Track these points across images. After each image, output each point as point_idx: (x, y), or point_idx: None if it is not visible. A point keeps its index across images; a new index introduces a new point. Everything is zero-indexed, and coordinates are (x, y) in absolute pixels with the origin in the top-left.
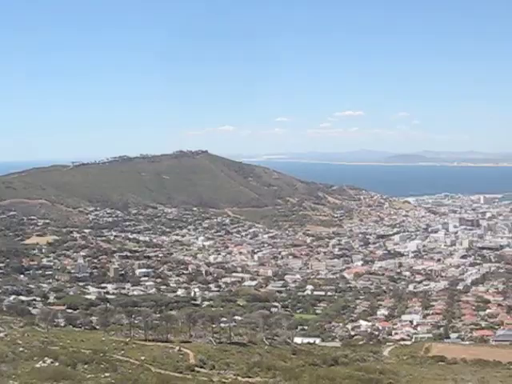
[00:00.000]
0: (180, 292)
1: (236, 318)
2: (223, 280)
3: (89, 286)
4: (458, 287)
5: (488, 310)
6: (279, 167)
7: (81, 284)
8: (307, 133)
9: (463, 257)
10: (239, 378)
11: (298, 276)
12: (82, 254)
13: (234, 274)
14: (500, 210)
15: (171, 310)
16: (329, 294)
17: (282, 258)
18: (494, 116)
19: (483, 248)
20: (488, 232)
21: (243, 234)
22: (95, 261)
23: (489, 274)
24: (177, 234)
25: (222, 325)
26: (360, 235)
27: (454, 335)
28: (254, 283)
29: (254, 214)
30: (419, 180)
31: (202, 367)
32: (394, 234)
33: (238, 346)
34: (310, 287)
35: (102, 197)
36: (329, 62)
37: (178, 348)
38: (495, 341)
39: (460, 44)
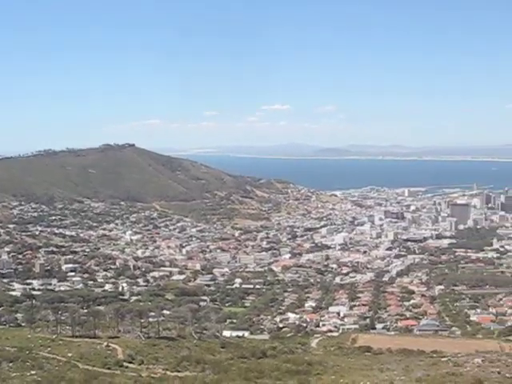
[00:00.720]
0: (108, 287)
1: (164, 312)
2: (151, 274)
3: (14, 283)
4: (384, 279)
5: (412, 301)
6: (207, 161)
7: (5, 280)
8: (235, 126)
9: (388, 249)
10: (168, 372)
11: (226, 269)
12: (7, 249)
13: (162, 269)
14: (424, 202)
15: (99, 305)
16: (257, 287)
17: (211, 251)
18: (418, 111)
19: (408, 240)
20: (412, 224)
21: (171, 227)
22: (20, 256)
23: (413, 265)
24: (104, 229)
25: (151, 319)
26: (288, 228)
27: (379, 326)
28: (182, 277)
29: (182, 208)
30: (346, 174)
31: (130, 362)
32: (321, 226)
33: (167, 340)
34: (238, 280)
35: (27, 191)
36: (255, 56)
37: (105, 344)
38: (419, 330)
39: (383, 37)
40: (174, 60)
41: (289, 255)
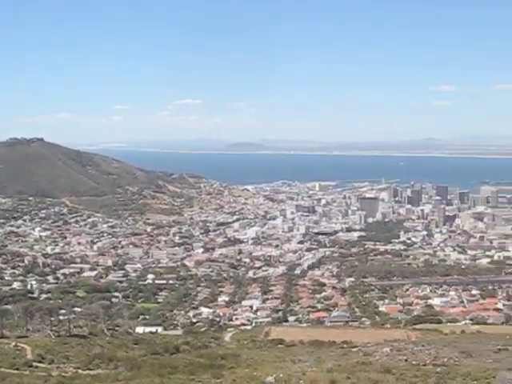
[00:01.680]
0: (16, 285)
1: (75, 309)
2: (62, 271)
3: None
4: (296, 272)
5: (323, 293)
6: (119, 155)
7: None
8: (147, 121)
9: (300, 242)
10: (80, 371)
11: (138, 265)
12: None
13: (72, 265)
14: (334, 196)
15: (6, 304)
16: (170, 282)
17: (123, 247)
18: (329, 106)
19: (319, 233)
20: (323, 218)
21: (82, 223)
22: None
23: (324, 258)
24: (12, 225)
25: (61, 317)
26: (200, 223)
27: (292, 318)
28: (93, 274)
29: (93, 204)
30: (258, 168)
31: (40, 362)
32: (233, 221)
33: (78, 338)
34: (151, 276)
35: None
36: (168, 51)
37: (14, 343)
38: (330, 322)
39: (294, 30)
40: (83, 54)
41: (202, 250)
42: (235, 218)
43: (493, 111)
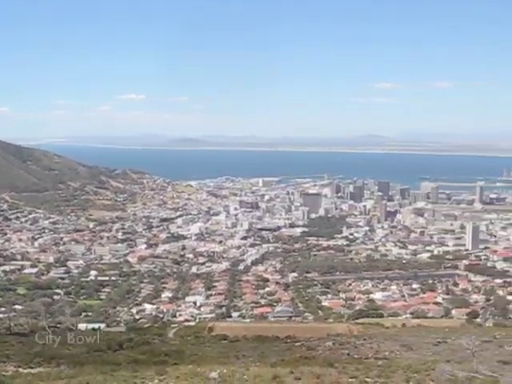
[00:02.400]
0: None
1: (16, 307)
2: (1, 268)
3: None
4: (239, 267)
5: (267, 288)
6: (60, 151)
7: None
8: (88, 116)
9: (243, 238)
10: (20, 369)
11: (81, 262)
12: None
13: (13, 262)
14: (277, 192)
15: None
16: (113, 278)
17: (65, 243)
18: (273, 102)
19: (262, 229)
20: (266, 214)
21: (23, 219)
22: None
23: (267, 253)
24: None
25: (1, 315)
26: (143, 219)
27: (235, 314)
28: (34, 270)
29: (34, 199)
30: (201, 164)
31: None
32: (177, 217)
33: (19, 336)
34: (93, 273)
35: None
36: (107, 45)
37: None
38: (274, 317)
39: (232, 33)
40: (21, 49)
41: (145, 246)
42: (178, 213)
43: (431, 109)
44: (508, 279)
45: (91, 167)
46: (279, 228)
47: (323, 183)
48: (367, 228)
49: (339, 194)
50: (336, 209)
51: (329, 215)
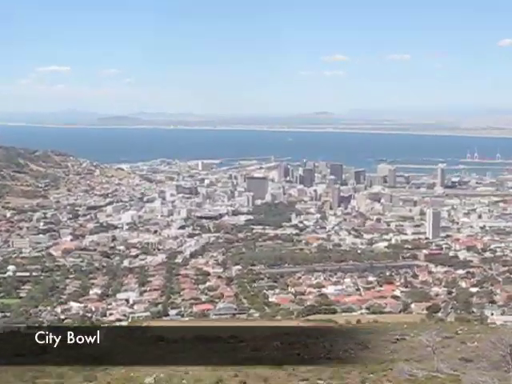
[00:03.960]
0: None
1: None
2: None
3: None
4: (177, 260)
5: (208, 283)
6: None
7: None
8: (3, 90)
9: (181, 227)
10: None
11: None
12: None
13: None
14: (218, 176)
15: None
16: (34, 274)
17: None
18: (211, 78)
19: (202, 217)
20: (207, 200)
21: None
22: None
23: (208, 245)
24: None
25: None
26: (68, 207)
27: (173, 312)
28: None
29: None
30: (134, 145)
31: None
32: (106, 204)
33: None
34: (11, 268)
35: None
36: (43, 12)
37: None
38: (216, 315)
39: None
40: None
41: (70, 237)
42: (108, 200)
43: (387, 83)
44: (471, 270)
45: (7, 148)
46: (221, 216)
47: (270, 166)
48: (318, 215)
49: (287, 178)
50: (284, 194)
51: (276, 201)
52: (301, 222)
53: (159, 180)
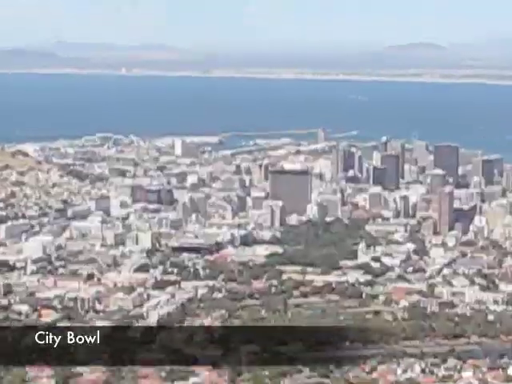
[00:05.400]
0: None
1: None
2: None
3: None
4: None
5: None
6: None
7: None
8: None
9: (140, 269)
10: None
11: None
12: None
13: None
14: (215, 168)
15: None
16: None
17: None
18: None
19: (182, 249)
20: (192, 216)
21: None
22: None
23: (193, 304)
24: None
25: None
26: None
27: None
28: None
29: None
30: (46, 106)
31: None
32: None
33: None
34: None
35: None
36: None
37: None
38: None
39: None
40: None
41: None
42: None
43: None
44: None
45: None
46: (219, 247)
47: (315, 148)
48: (412, 246)
49: (350, 173)
50: (344, 204)
51: (327, 219)
52: (377, 260)
53: (98, 175)
